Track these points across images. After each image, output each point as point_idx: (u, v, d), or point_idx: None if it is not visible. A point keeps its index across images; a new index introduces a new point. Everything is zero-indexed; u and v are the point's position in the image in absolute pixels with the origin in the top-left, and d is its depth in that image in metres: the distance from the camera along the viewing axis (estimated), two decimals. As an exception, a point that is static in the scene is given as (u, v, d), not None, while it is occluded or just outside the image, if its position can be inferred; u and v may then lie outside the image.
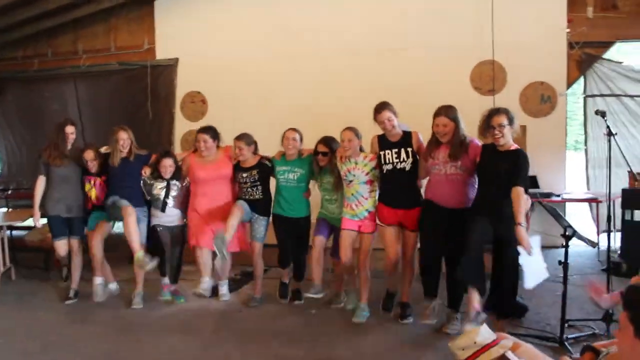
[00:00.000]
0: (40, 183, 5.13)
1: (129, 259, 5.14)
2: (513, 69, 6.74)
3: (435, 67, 6.83)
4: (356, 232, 4.53)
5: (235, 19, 7.56)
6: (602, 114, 4.21)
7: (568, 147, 7.24)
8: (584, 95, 6.71)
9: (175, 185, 5.03)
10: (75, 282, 5.20)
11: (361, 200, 4.52)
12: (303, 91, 7.13)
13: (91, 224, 5.11)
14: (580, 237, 3.90)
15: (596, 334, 3.96)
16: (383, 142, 4.45)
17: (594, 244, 4.64)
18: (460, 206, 4.18)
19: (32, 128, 8.35)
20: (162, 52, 7.89)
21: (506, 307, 4.19)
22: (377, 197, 4.55)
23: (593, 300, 3.11)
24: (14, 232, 6.17)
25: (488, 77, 6.79)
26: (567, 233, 3.76)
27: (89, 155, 5.02)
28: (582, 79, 6.71)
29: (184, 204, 5.09)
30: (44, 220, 5.25)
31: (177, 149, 7.55)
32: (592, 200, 6.31)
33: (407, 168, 4.36)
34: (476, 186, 4.24)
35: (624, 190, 5.64)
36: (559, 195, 6.35)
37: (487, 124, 4.04)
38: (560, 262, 3.83)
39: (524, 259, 3.74)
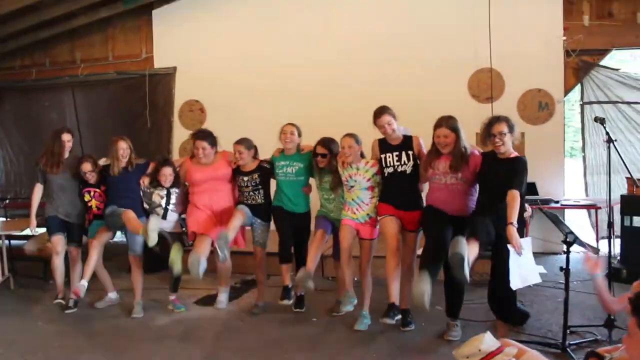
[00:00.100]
0: (38, 191, 5.12)
1: (128, 268, 5.13)
2: (510, 77, 6.79)
3: (433, 76, 6.86)
4: (355, 230, 4.51)
5: (233, 27, 7.59)
6: (601, 121, 4.23)
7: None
8: (581, 103, 6.75)
9: (175, 192, 5.03)
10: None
11: (362, 205, 4.53)
12: (301, 100, 7.14)
13: (92, 232, 5.10)
14: (581, 244, 3.91)
15: (598, 340, 3.97)
16: (383, 145, 4.47)
17: (595, 250, 4.65)
18: (460, 214, 4.18)
19: (30, 137, 8.34)
20: (160, 61, 7.92)
21: (506, 311, 4.20)
22: (377, 202, 4.55)
23: (589, 272, 3.09)
24: (13, 242, 6.14)
25: (486, 85, 6.82)
26: (568, 239, 3.76)
27: (87, 167, 5.01)
28: (579, 86, 6.75)
29: (181, 206, 5.08)
30: (41, 230, 5.24)
31: (176, 158, 7.53)
32: (591, 207, 6.35)
33: (408, 171, 4.37)
34: (476, 195, 4.25)
35: (623, 197, 5.67)
36: (557, 202, 6.38)
37: (488, 131, 4.06)
38: (561, 269, 3.83)
39: (512, 259, 3.75)
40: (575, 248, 3.88)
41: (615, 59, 7.83)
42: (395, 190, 4.42)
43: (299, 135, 4.84)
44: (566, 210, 6.55)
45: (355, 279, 4.71)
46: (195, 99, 7.83)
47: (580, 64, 6.65)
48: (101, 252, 5.08)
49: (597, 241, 6.27)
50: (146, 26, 8.00)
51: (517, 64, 6.69)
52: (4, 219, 6.95)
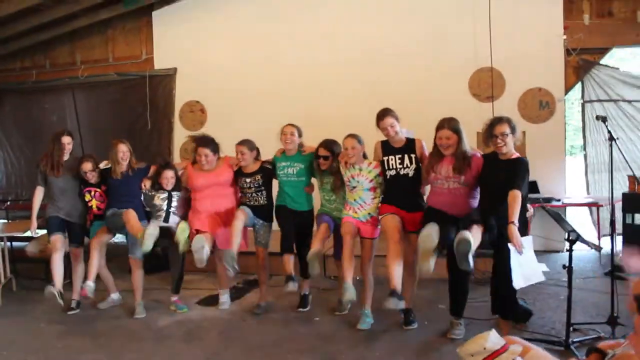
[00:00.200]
0: (38, 193, 5.13)
1: (129, 269, 5.13)
2: (511, 76, 6.79)
3: (434, 75, 6.87)
4: (356, 228, 4.50)
5: (233, 28, 7.59)
6: (603, 120, 4.23)
7: (563, 153, 7.25)
8: (582, 101, 6.76)
9: (177, 195, 5.03)
10: (77, 292, 5.17)
11: (364, 205, 4.53)
12: (302, 100, 7.15)
13: (93, 233, 5.11)
14: (584, 241, 3.90)
15: (601, 337, 3.96)
16: (386, 148, 4.47)
17: (598, 248, 4.65)
18: (460, 215, 4.17)
19: (30, 139, 8.35)
20: (161, 62, 7.92)
21: (508, 309, 4.20)
22: (379, 203, 4.55)
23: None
24: (14, 244, 6.14)
25: (486, 84, 6.83)
26: (570, 237, 3.76)
27: (87, 166, 5.01)
28: (579, 85, 6.76)
29: (182, 210, 5.09)
30: (42, 231, 5.24)
31: (177, 159, 7.56)
32: (593, 205, 6.35)
33: (411, 174, 4.37)
34: (478, 197, 4.25)
35: (624, 194, 5.68)
36: (559, 200, 6.39)
37: (490, 132, 4.05)
38: (564, 266, 3.83)
39: (514, 258, 3.75)
40: (577, 246, 3.88)
41: (615, 57, 7.83)
42: (398, 193, 4.42)
43: (300, 135, 4.84)
44: (567, 208, 6.55)
45: (358, 278, 4.71)
46: (195, 100, 7.84)
47: (581, 62, 6.65)
48: (103, 252, 5.10)
49: (599, 239, 6.27)
50: (146, 27, 8.01)
51: (518, 63, 6.69)
52: (5, 221, 6.94)
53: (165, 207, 4.98)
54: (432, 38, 6.92)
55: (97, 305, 5.16)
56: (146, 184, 5.03)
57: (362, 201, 4.53)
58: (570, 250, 3.81)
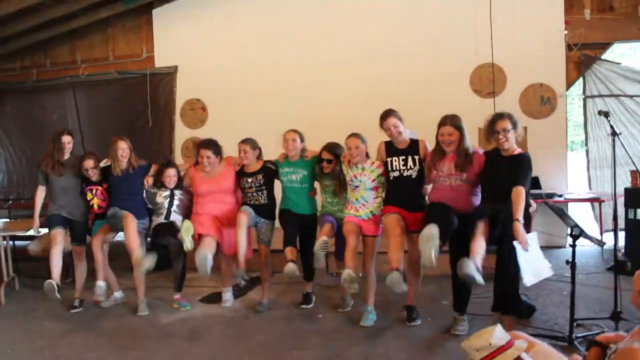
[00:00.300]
0: (40, 193, 5.14)
1: (131, 267, 5.13)
2: (512, 71, 6.78)
3: (435, 72, 6.85)
4: (359, 226, 4.49)
5: (234, 26, 7.57)
6: (606, 115, 4.22)
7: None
8: (583, 97, 6.74)
9: (179, 194, 5.04)
10: (79, 291, 5.20)
11: (366, 204, 4.54)
12: (303, 98, 7.13)
13: (95, 232, 5.11)
14: (587, 236, 3.90)
15: (605, 333, 3.96)
16: (390, 149, 4.46)
17: (601, 243, 4.65)
18: (463, 212, 4.16)
19: (31, 138, 8.33)
20: (161, 60, 7.89)
21: (511, 305, 4.19)
22: (381, 203, 4.55)
23: None
24: (17, 242, 6.14)
25: (488, 80, 6.82)
26: (574, 233, 3.76)
27: (89, 164, 5.02)
28: (580, 80, 6.75)
29: (185, 210, 5.10)
30: (45, 230, 5.24)
31: (178, 157, 7.57)
32: (595, 200, 6.35)
33: (414, 176, 4.37)
34: (479, 195, 4.24)
35: (627, 189, 5.67)
36: (561, 196, 6.39)
37: (492, 128, 4.05)
38: (567, 262, 3.83)
39: (521, 255, 3.74)
40: (579, 241, 3.87)
41: (616, 52, 7.82)
42: (400, 194, 4.42)
43: (302, 140, 4.83)
44: (569, 203, 6.54)
45: (360, 274, 4.71)
46: (196, 98, 7.81)
47: (582, 57, 6.64)
48: (105, 251, 5.10)
49: (601, 234, 6.27)
50: (147, 25, 7.98)
51: (519, 58, 6.68)
52: (7, 220, 6.94)
53: (167, 206, 4.99)
54: (432, 35, 6.89)
55: (100, 303, 5.16)
56: (149, 181, 5.04)
57: (364, 200, 4.54)
58: (573, 246, 3.80)
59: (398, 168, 4.39)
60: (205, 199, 4.95)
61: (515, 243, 3.73)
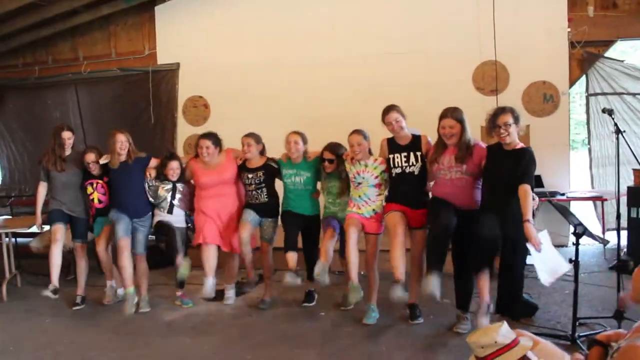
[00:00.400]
0: (41, 189, 5.15)
1: (133, 265, 5.12)
2: (515, 69, 6.75)
3: (438, 69, 6.83)
4: (361, 223, 4.50)
5: (236, 23, 7.55)
6: (610, 112, 4.21)
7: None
8: (586, 94, 6.72)
9: (181, 186, 5.05)
10: (81, 288, 5.19)
11: (368, 202, 4.53)
12: (306, 95, 7.12)
13: (97, 230, 5.13)
14: (591, 235, 3.89)
15: (606, 331, 3.95)
16: (392, 145, 4.46)
17: (604, 242, 4.64)
18: (468, 207, 4.16)
19: (33, 135, 8.33)
20: (164, 57, 7.89)
21: (512, 304, 4.19)
22: (384, 200, 4.54)
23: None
24: (19, 239, 6.15)
25: (490, 78, 6.80)
26: (577, 231, 3.75)
27: (90, 157, 5.02)
28: (583, 78, 6.72)
29: (187, 204, 5.10)
30: (47, 227, 5.24)
31: (180, 154, 7.53)
32: (597, 199, 6.33)
33: (416, 172, 4.37)
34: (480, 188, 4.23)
35: (629, 188, 5.66)
36: (563, 194, 6.37)
37: (493, 123, 4.04)
38: (570, 261, 3.81)
39: (535, 257, 3.72)
40: (582, 240, 3.86)
41: (617, 50, 7.79)
42: (403, 191, 4.42)
43: (305, 142, 4.81)
44: (572, 202, 6.53)
45: (362, 273, 4.70)
46: (199, 95, 7.81)
47: (585, 55, 6.62)
48: (110, 250, 5.11)
49: (603, 233, 6.26)
50: (149, 22, 7.97)
51: (522, 56, 6.66)
52: (9, 217, 6.95)
53: (169, 199, 4.99)
54: (436, 31, 6.86)
55: (102, 301, 5.16)
56: (151, 174, 5.03)
57: (366, 197, 4.52)
58: (576, 244, 3.79)
59: (400, 165, 4.38)
60: (208, 192, 4.94)
61: (528, 245, 3.72)
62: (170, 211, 5.00)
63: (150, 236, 5.17)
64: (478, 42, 6.68)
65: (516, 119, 4.01)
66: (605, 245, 5.33)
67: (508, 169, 3.93)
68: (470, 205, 4.18)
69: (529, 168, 3.92)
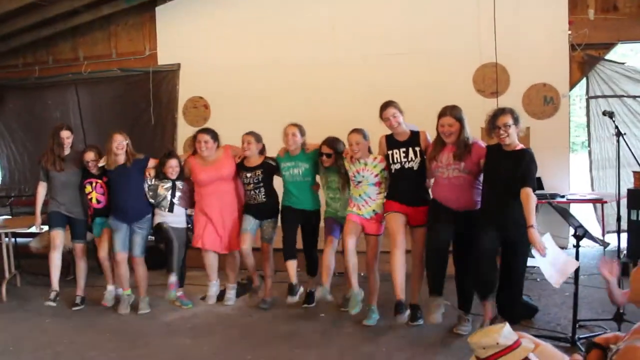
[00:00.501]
0: (41, 189, 5.15)
1: (132, 266, 5.12)
2: (516, 71, 6.76)
3: (438, 71, 6.83)
4: (360, 225, 4.50)
5: (237, 23, 7.56)
6: (610, 115, 4.21)
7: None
8: (587, 97, 6.73)
9: (181, 184, 5.05)
10: (81, 288, 5.19)
11: (368, 201, 4.52)
12: (306, 96, 7.13)
13: (97, 231, 5.12)
14: (591, 237, 3.89)
15: (606, 334, 3.95)
16: (391, 141, 4.45)
17: (604, 244, 4.63)
18: (467, 208, 4.17)
19: (33, 135, 8.34)
20: (164, 58, 7.91)
21: (512, 306, 4.18)
22: (384, 198, 4.54)
23: (604, 277, 3.12)
24: (18, 239, 6.14)
25: (491, 80, 6.81)
26: (578, 233, 3.75)
27: (89, 156, 5.01)
28: (584, 81, 6.73)
29: (188, 202, 5.10)
30: (47, 227, 5.24)
31: (180, 154, 7.53)
32: (597, 201, 6.32)
33: (415, 167, 4.36)
34: (480, 188, 4.24)
35: (629, 190, 5.67)
36: (563, 196, 6.37)
37: (493, 124, 4.03)
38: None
39: (542, 261, 3.71)
40: (584, 242, 3.86)
41: (618, 53, 7.80)
42: (403, 187, 4.41)
43: (302, 134, 4.81)
44: (572, 204, 6.53)
45: (362, 274, 4.70)
46: (199, 96, 7.82)
47: (586, 58, 6.62)
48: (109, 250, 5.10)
49: (603, 235, 6.25)
50: (149, 23, 7.99)
51: (522, 58, 6.67)
52: (9, 217, 6.94)
53: (169, 197, 4.99)
54: (436, 33, 6.88)
55: (101, 301, 5.15)
56: (151, 173, 5.03)
57: (367, 196, 4.51)
58: (577, 247, 3.80)
59: (399, 160, 4.38)
60: (207, 190, 4.94)
61: (533, 251, 3.71)
62: (171, 210, 5.00)
63: (150, 236, 5.17)
64: (478, 43, 6.70)
65: (516, 120, 4.00)
66: (605, 247, 5.32)
67: (508, 170, 3.92)
68: (470, 205, 4.18)
69: (529, 170, 3.91)
